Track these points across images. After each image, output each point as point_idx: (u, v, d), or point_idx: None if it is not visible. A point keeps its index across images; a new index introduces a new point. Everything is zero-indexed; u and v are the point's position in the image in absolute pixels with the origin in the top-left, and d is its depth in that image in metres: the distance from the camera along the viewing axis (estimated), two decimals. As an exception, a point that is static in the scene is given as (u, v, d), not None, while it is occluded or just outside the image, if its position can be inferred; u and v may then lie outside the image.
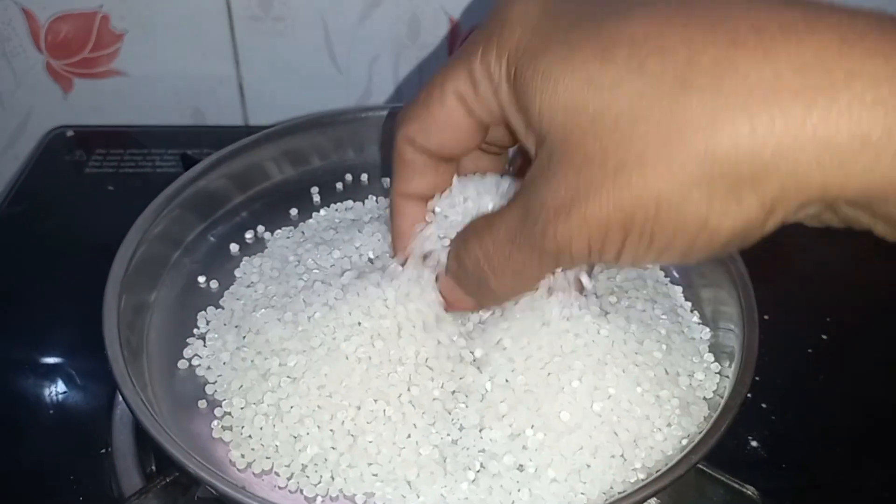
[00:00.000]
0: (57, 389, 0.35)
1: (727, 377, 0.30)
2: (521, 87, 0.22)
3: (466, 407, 0.28)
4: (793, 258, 0.43)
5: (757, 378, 0.29)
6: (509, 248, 0.23)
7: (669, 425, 0.28)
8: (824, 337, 0.38)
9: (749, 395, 0.28)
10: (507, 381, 0.28)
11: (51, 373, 0.36)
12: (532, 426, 0.27)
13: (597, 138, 0.20)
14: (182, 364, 0.31)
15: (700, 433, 0.27)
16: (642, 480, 0.27)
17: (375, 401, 0.28)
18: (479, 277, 0.25)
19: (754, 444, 0.34)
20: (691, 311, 0.34)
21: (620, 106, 0.19)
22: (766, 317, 0.31)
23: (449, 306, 0.29)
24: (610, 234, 0.20)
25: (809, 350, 0.38)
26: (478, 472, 0.27)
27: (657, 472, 0.26)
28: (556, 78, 0.20)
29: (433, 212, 0.28)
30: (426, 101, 0.25)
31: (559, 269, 0.26)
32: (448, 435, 0.28)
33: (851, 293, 0.41)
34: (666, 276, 0.36)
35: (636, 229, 0.20)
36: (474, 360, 0.29)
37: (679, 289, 0.35)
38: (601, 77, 0.20)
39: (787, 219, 0.20)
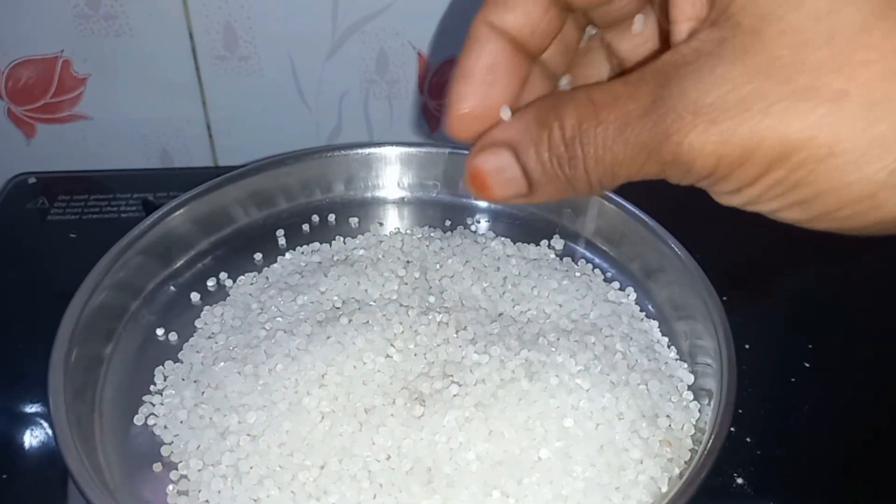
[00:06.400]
0: (10, 450, 0.34)
1: (707, 416, 0.29)
2: None
3: (434, 461, 0.27)
4: (773, 285, 0.42)
5: (740, 411, 0.28)
6: (615, 137, 0.18)
7: (649, 475, 0.27)
8: (807, 365, 0.38)
9: (732, 429, 0.27)
10: (477, 446, 0.27)
11: (5, 431, 0.34)
12: (502, 490, 0.26)
13: (798, 47, 0.16)
14: (138, 423, 0.30)
15: (682, 479, 0.26)
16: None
17: (340, 460, 0.26)
18: (561, 157, 0.19)
19: (740, 480, 0.33)
20: (668, 347, 0.33)
21: (847, 20, 0.15)
22: (746, 346, 0.30)
23: (487, 191, 0.20)
24: (749, 164, 0.16)
25: (792, 379, 0.37)
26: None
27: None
28: None
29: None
30: None
31: None
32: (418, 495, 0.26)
33: (832, 320, 0.40)
34: (641, 311, 0.35)
35: (785, 169, 0.16)
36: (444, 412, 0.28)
37: (655, 323, 0.34)
38: None
39: None
